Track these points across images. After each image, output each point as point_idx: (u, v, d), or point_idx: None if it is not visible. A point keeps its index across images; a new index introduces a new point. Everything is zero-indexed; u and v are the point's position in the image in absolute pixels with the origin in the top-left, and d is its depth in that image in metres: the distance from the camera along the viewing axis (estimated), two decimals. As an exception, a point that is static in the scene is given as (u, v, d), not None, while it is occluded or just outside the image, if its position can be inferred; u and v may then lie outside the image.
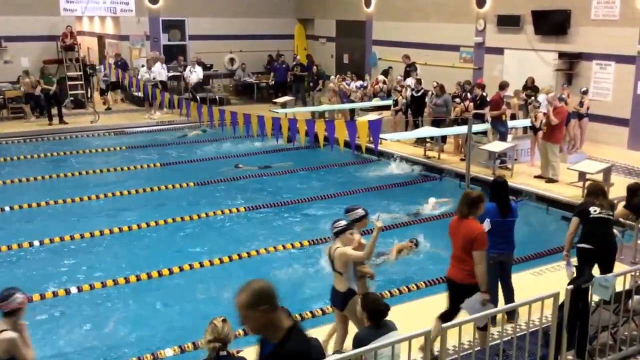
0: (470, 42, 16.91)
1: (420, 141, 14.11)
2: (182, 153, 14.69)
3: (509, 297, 6.28)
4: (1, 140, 15.37)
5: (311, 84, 19.63)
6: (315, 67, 19.31)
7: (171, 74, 19.39)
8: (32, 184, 11.91)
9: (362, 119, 12.03)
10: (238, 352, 4.50)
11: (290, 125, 10.41)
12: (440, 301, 5.91)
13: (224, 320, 4.13)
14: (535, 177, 11.70)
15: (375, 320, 4.59)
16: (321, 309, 6.92)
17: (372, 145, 9.70)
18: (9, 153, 14.18)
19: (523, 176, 11.86)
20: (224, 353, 4.05)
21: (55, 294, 7.47)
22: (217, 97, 19.86)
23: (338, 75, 18.46)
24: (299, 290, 7.65)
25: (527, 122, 13.00)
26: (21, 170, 12.64)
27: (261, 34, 22.11)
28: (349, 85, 17.33)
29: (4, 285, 4.55)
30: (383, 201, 11.03)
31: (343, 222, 5.45)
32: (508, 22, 15.76)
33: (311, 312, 6.91)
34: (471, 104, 13.46)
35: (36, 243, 8.98)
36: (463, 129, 12.37)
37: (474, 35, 16.74)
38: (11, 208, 10.49)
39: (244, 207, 10.70)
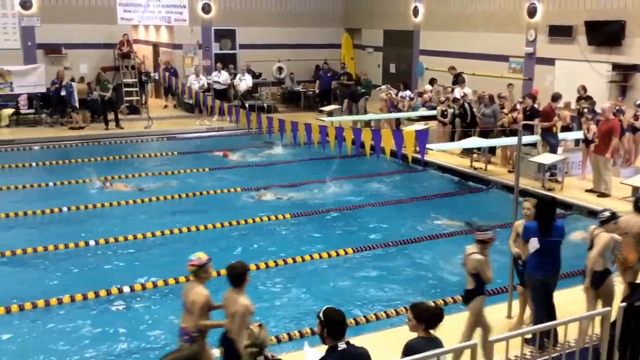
0: (520, 53, 16.72)
1: (467, 152, 14.04)
2: (231, 158, 15.00)
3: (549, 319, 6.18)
4: (61, 144, 16.05)
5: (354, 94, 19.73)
6: (358, 76, 19.41)
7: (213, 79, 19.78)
8: (91, 185, 12.36)
9: (409, 129, 12.08)
10: (273, 357, 4.54)
11: (336, 134, 10.52)
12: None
13: (260, 326, 4.23)
14: (587, 191, 11.49)
15: (434, 327, 4.47)
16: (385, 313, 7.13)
17: (419, 155, 9.73)
18: (68, 156, 14.76)
19: (574, 190, 11.67)
20: (261, 358, 4.12)
21: (132, 289, 7.85)
22: (264, 104, 20.22)
23: (388, 85, 18.53)
24: (347, 297, 7.76)
25: (579, 135, 12.77)
26: (83, 172, 13.11)
27: (309, 43, 22.41)
28: (396, 95, 17.37)
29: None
30: (429, 211, 11.05)
31: (490, 233, 5.70)
32: (560, 32, 15.52)
33: (375, 314, 7.23)
34: (520, 114, 13.32)
35: (92, 242, 9.36)
36: (512, 140, 12.26)
37: (524, 46, 16.54)
38: (68, 209, 10.93)
39: (290, 214, 10.88)
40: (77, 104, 17.23)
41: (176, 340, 5.20)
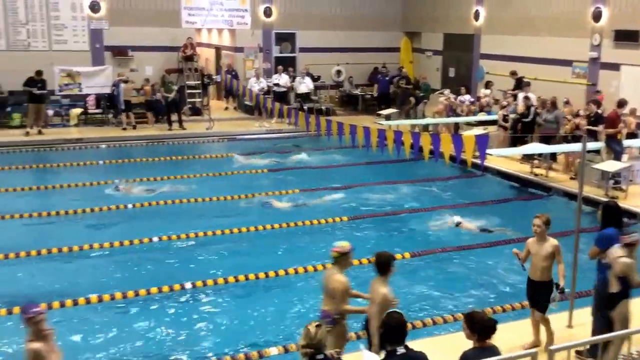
0: (584, 57, 16.29)
1: (528, 158, 13.79)
2: (289, 160, 15.23)
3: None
4: (126, 143, 16.67)
5: (411, 97, 19.63)
6: (417, 80, 19.33)
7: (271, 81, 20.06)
8: (155, 183, 12.80)
9: (468, 133, 11.98)
10: (333, 355, 4.48)
11: (395, 137, 10.55)
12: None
13: (317, 326, 4.17)
14: (653, 199, 11.12)
15: (486, 338, 4.42)
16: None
17: (478, 160, 9.65)
18: (131, 155, 15.32)
19: (638, 198, 11.30)
20: (321, 357, 4.11)
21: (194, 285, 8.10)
22: (323, 107, 20.40)
23: (449, 89, 18.39)
24: (404, 300, 7.77)
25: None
26: (146, 171, 13.58)
27: (368, 46, 22.49)
28: (455, 99, 17.22)
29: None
30: (487, 217, 10.93)
31: (637, 235, 5.70)
32: (626, 37, 15.04)
33: (432, 319, 7.25)
34: (583, 121, 12.99)
35: (155, 239, 9.68)
36: (575, 147, 11.98)
37: (589, 50, 16.11)
38: (133, 205, 11.34)
39: (347, 217, 10.96)
40: (122, 105, 17.77)
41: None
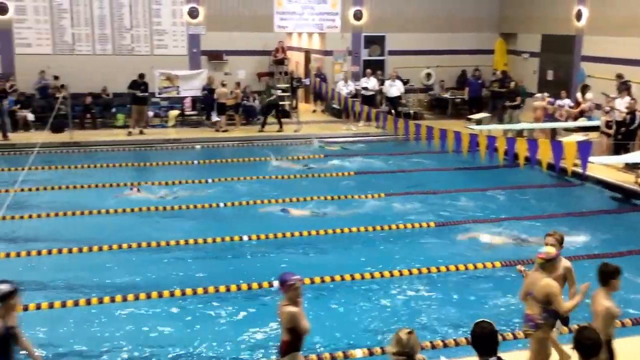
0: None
1: (631, 167, 12.94)
2: (375, 163, 15.15)
3: None
4: (219, 144, 17.20)
5: (508, 101, 18.99)
6: (514, 83, 18.66)
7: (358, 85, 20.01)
8: (245, 182, 13.11)
9: (569, 139, 11.40)
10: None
11: (488, 143, 10.23)
12: None
13: (409, 333, 4.09)
14: None
15: (588, 358, 4.20)
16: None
17: (578, 169, 9.16)
18: (223, 155, 15.77)
19: None
20: None
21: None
22: (411, 111, 20.13)
23: (546, 93, 17.63)
24: (494, 310, 7.53)
25: None
26: (236, 171, 13.94)
27: (459, 49, 21.97)
28: (553, 103, 16.47)
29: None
30: (584, 228, 10.35)
31: None
32: None
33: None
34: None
35: (245, 237, 9.85)
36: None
37: None
38: (225, 205, 11.62)
39: (434, 223, 10.73)
40: (214, 108, 18.37)
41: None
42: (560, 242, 5.93)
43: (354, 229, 10.19)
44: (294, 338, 5.11)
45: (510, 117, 17.75)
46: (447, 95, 21.49)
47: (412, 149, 15.74)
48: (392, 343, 4.08)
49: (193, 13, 19.74)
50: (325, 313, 7.65)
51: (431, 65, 21.83)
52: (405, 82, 20.99)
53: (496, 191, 12.54)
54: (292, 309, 5.07)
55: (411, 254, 9.48)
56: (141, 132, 17.66)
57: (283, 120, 18.62)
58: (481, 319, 4.35)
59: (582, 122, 15.47)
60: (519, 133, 16.25)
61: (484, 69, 21.23)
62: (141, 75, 17.69)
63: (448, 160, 14.55)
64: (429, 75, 21.92)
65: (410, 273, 8.60)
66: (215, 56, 20.09)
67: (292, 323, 5.06)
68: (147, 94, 17.81)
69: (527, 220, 10.84)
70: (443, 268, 8.73)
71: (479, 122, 17.26)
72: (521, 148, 9.73)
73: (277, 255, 9.47)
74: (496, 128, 16.39)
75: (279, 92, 18.96)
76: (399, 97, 19.72)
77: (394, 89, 19.51)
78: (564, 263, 5.91)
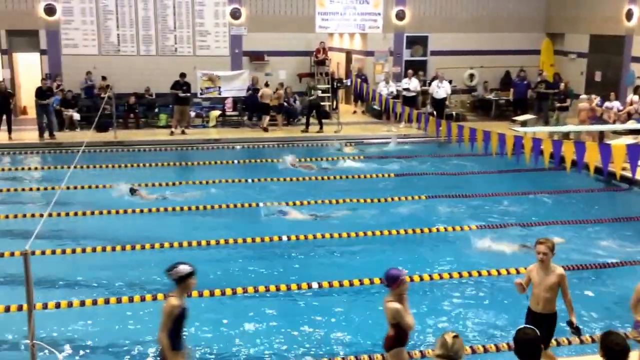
0: None
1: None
2: (415, 165, 14.96)
3: None
4: (259, 144, 17.26)
5: (556, 102, 18.50)
6: (564, 84, 18.15)
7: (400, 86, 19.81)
8: (285, 184, 13.16)
9: (617, 142, 11.01)
10: None
11: (534, 145, 9.96)
12: None
13: (455, 336, 4.07)
14: None
15: None
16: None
17: (627, 173, 8.83)
18: (264, 155, 15.81)
19: None
20: None
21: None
22: (453, 112, 19.83)
23: (592, 95, 17.12)
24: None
25: None
26: (274, 172, 13.99)
27: (504, 49, 21.56)
28: (601, 105, 15.97)
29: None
30: (631, 235, 9.98)
31: None
32: None
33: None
34: None
35: (284, 238, 9.83)
36: None
37: None
38: (264, 204, 11.64)
39: (475, 226, 10.50)
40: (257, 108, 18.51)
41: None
42: (551, 250, 5.74)
43: (394, 231, 10.08)
44: (398, 333, 5.21)
45: (557, 119, 17.28)
46: (490, 96, 21.08)
47: (453, 151, 15.50)
48: (437, 346, 4.06)
49: (235, 14, 19.90)
50: (370, 313, 7.57)
51: (474, 65, 21.47)
52: (449, 83, 20.70)
53: (541, 195, 12.23)
54: (395, 305, 5.18)
55: (452, 257, 9.32)
56: (183, 132, 17.88)
57: (323, 121, 18.57)
58: (524, 325, 4.24)
59: (631, 124, 14.94)
60: (566, 135, 15.81)
61: (528, 69, 20.76)
62: (182, 75, 17.92)
63: (490, 163, 14.24)
64: (472, 76, 21.56)
65: (451, 277, 8.46)
66: (257, 57, 20.21)
67: (396, 319, 5.17)
68: (189, 94, 18.03)
69: (573, 224, 10.54)
70: (484, 272, 8.55)
71: (523, 124, 16.87)
72: (568, 151, 9.44)
73: (314, 258, 9.43)
74: (542, 130, 15.97)
75: (320, 92, 18.95)
76: (445, 99, 19.40)
77: (441, 90, 19.14)
78: (558, 270, 5.78)
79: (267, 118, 18.60)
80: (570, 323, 5.72)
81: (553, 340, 6.19)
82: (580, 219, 10.77)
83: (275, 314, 7.69)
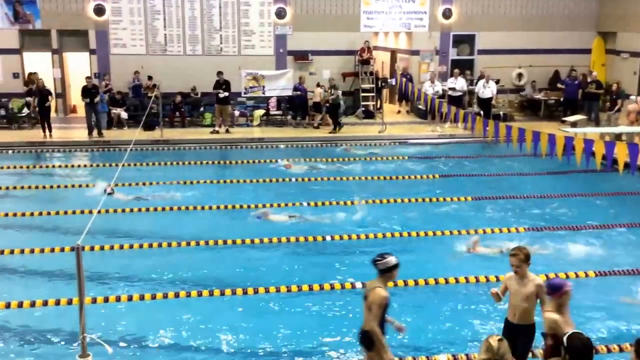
0: None
1: None
2: (462, 166, 14.73)
3: None
4: (302, 144, 17.27)
5: (608, 103, 17.94)
6: (616, 85, 17.56)
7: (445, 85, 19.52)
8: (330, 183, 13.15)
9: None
10: None
11: (585, 147, 9.64)
12: None
13: (500, 340, 4.04)
14: None
15: None
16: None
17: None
18: (306, 155, 15.81)
19: None
20: None
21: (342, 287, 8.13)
22: (500, 112, 19.43)
23: (640, 96, 16.55)
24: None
25: None
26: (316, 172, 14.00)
27: (553, 48, 21.02)
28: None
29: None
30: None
31: None
32: None
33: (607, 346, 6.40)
34: None
35: (328, 238, 9.83)
36: None
37: None
38: (308, 204, 11.61)
39: (524, 228, 10.23)
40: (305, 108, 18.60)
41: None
42: (524, 261, 5.53)
43: (438, 232, 9.95)
44: (555, 344, 5.03)
45: (609, 120, 16.73)
46: (539, 96, 20.58)
47: (501, 151, 15.18)
48: (482, 349, 4.02)
49: (280, 13, 19.97)
50: (416, 315, 7.50)
51: (523, 65, 21.00)
52: (496, 83, 20.32)
53: (593, 197, 11.86)
54: (554, 315, 5.13)
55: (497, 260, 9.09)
56: (227, 131, 18.04)
57: (367, 120, 18.46)
58: (576, 331, 4.11)
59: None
60: (618, 137, 15.29)
61: (579, 69, 20.19)
62: (219, 73, 17.99)
63: (539, 164, 13.86)
64: (520, 75, 21.09)
65: (497, 279, 8.24)
66: (301, 56, 20.24)
67: (553, 329, 5.08)
68: (227, 93, 18.09)
69: (625, 228, 10.21)
70: (542, 277, 8.28)
71: (574, 124, 16.40)
72: (621, 152, 9.10)
73: (360, 256, 9.35)
74: (593, 131, 15.51)
75: (340, 92, 18.71)
76: (490, 99, 19.03)
77: (487, 90, 18.77)
78: (535, 280, 5.57)
79: (319, 117, 18.60)
80: (544, 335, 5.44)
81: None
82: (632, 222, 10.39)
83: (316, 311, 7.67)
